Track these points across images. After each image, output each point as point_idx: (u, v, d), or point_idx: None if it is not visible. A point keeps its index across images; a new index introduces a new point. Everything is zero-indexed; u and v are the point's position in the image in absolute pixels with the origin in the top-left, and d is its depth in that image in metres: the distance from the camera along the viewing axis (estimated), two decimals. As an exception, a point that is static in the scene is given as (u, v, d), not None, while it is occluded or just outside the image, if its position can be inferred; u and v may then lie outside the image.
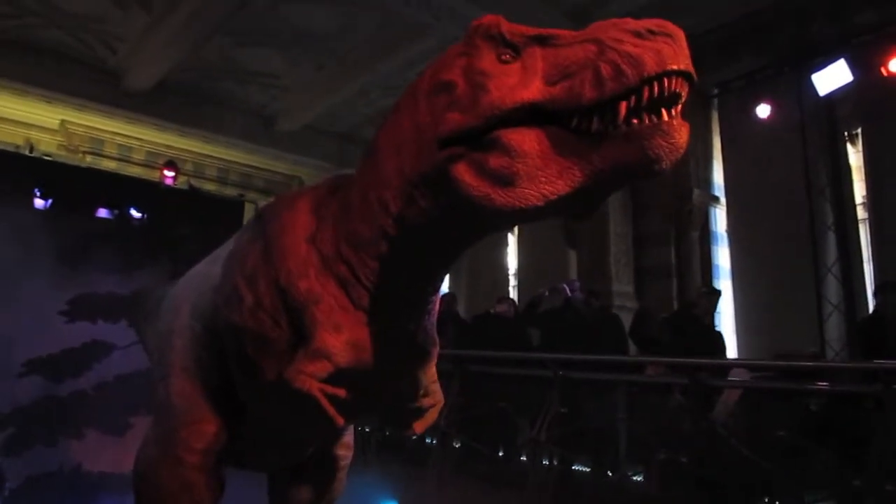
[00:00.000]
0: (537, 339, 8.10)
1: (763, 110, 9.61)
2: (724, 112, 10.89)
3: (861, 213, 9.31)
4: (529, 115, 1.51)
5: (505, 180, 1.51)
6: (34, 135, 12.36)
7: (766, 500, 5.39)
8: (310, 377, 1.91)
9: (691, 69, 1.42)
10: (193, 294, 2.59)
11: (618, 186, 1.63)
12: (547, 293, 8.69)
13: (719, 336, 7.56)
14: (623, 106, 1.40)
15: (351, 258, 1.96)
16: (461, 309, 10.75)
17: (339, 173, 2.36)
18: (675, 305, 10.23)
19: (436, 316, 2.19)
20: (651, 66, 1.37)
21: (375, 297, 1.95)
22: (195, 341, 2.50)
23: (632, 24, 1.44)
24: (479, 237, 1.93)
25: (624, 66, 1.38)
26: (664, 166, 1.45)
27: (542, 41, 1.57)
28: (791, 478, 5.08)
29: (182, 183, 10.48)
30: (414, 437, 6.84)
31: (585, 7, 9.45)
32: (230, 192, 13.14)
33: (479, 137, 1.56)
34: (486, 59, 1.62)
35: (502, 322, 8.15)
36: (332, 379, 1.93)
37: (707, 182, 11.13)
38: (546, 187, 1.49)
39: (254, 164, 14.93)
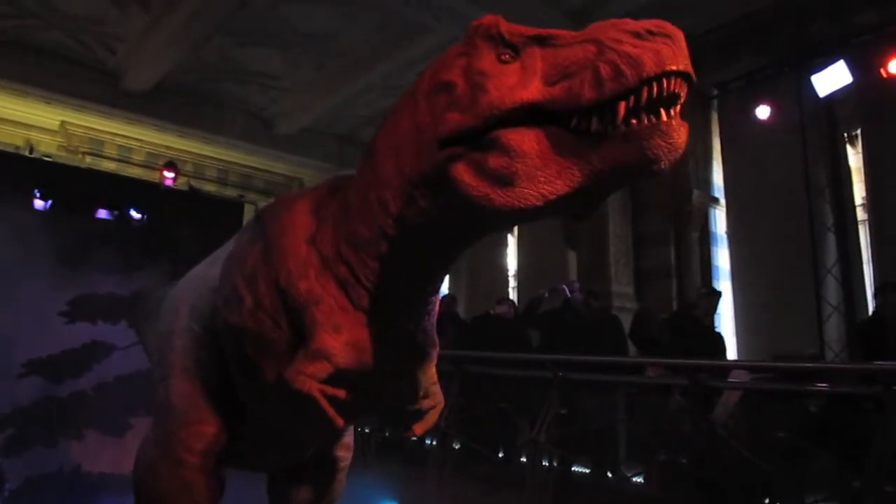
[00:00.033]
0: (537, 341, 8.10)
1: (763, 111, 9.62)
2: (723, 113, 10.89)
3: (861, 214, 9.32)
4: (529, 115, 1.51)
5: (504, 180, 1.51)
6: (34, 136, 12.37)
7: (766, 501, 5.38)
8: (309, 378, 1.91)
9: (690, 70, 1.43)
10: (193, 295, 2.59)
11: (617, 186, 1.63)
12: (546, 294, 8.70)
13: (719, 337, 7.56)
14: (622, 106, 1.40)
15: (351, 258, 1.96)
16: (461, 310, 10.75)
17: (338, 174, 2.36)
18: (675, 306, 10.23)
19: (436, 317, 2.19)
20: (650, 67, 1.37)
21: (375, 297, 1.95)
22: (195, 342, 2.50)
23: (631, 24, 1.44)
24: (478, 237, 1.93)
25: (623, 67, 1.38)
26: (663, 166, 1.45)
27: (541, 41, 1.58)
28: (791, 479, 5.08)
29: (182, 184, 10.48)
30: (413, 438, 6.84)
31: (585, 7, 9.45)
32: (230, 193, 13.15)
33: (479, 137, 1.56)
34: (486, 59, 1.62)
35: (502, 323, 8.15)
36: (332, 380, 1.93)
37: (707, 183, 11.13)
38: (545, 187, 1.49)
39: (253, 164, 14.93)
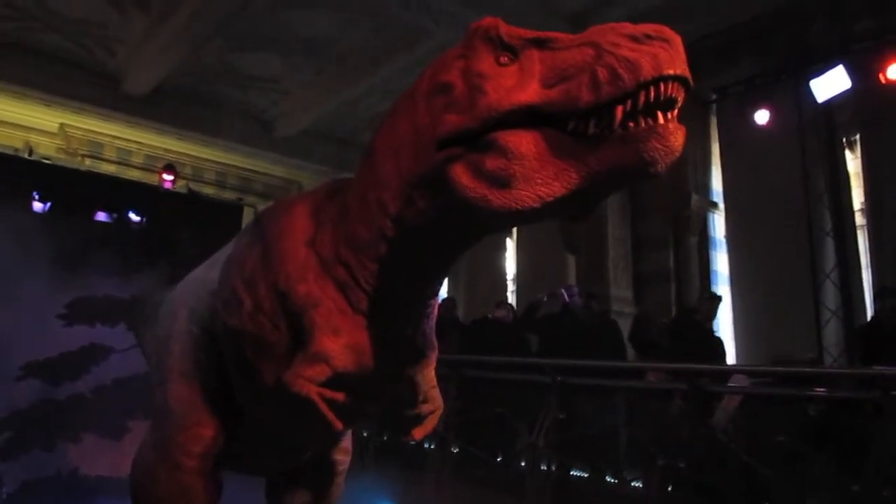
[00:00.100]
0: (535, 345, 8.10)
1: (761, 116, 9.62)
2: (722, 117, 10.90)
3: (859, 219, 9.33)
4: (526, 117, 1.52)
5: (501, 182, 1.52)
6: (33, 138, 12.38)
7: (765, 505, 5.38)
8: (308, 381, 1.91)
9: (687, 74, 1.43)
10: (192, 298, 2.59)
11: (614, 189, 1.64)
12: (545, 298, 8.70)
13: (719, 342, 7.56)
14: (619, 110, 1.41)
15: (350, 261, 1.96)
16: (459, 313, 10.74)
17: (337, 177, 2.36)
18: (674, 310, 10.24)
19: (434, 320, 2.19)
20: (647, 71, 1.38)
21: (374, 300, 1.95)
22: (193, 345, 2.50)
23: (629, 28, 1.45)
24: (476, 238, 1.93)
25: (620, 71, 1.39)
26: (659, 169, 1.45)
27: (539, 44, 1.58)
28: (790, 483, 5.07)
29: (181, 186, 10.47)
30: (412, 443, 6.83)
31: (584, 11, 9.47)
32: (229, 195, 13.13)
33: (477, 139, 1.57)
34: (485, 62, 1.63)
35: (500, 327, 8.14)
36: (331, 383, 1.93)
37: (705, 187, 11.15)
38: (542, 189, 1.49)
39: (252, 167, 14.94)
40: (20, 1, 9.88)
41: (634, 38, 1.42)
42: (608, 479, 6.41)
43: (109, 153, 13.30)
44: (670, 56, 1.40)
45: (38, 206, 6.96)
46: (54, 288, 5.71)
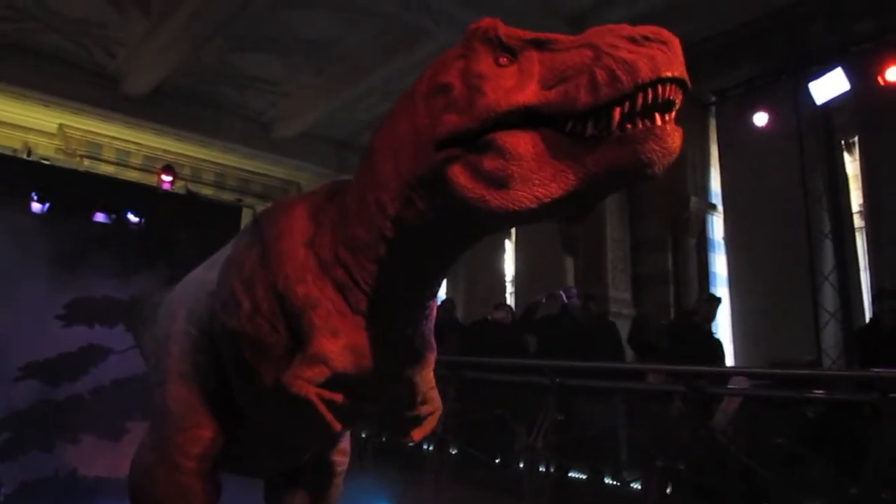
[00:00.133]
0: (534, 346, 8.10)
1: (760, 118, 9.64)
2: (721, 119, 10.92)
3: (858, 221, 9.34)
4: (525, 118, 1.52)
5: (499, 182, 1.52)
6: (32, 138, 12.37)
7: (764, 507, 5.38)
8: (307, 382, 1.91)
9: (685, 76, 1.44)
10: (190, 299, 2.59)
11: (611, 190, 1.64)
12: (544, 300, 8.71)
13: (719, 344, 7.57)
14: (617, 111, 1.42)
15: (349, 262, 1.96)
16: (458, 315, 10.75)
17: (336, 179, 2.36)
18: (672, 312, 10.25)
19: (433, 321, 2.19)
20: (645, 73, 1.38)
21: (373, 300, 1.95)
22: (192, 346, 2.50)
23: (627, 30, 1.45)
24: (475, 239, 1.93)
25: (619, 72, 1.39)
26: (657, 170, 1.46)
27: (539, 45, 1.59)
28: (789, 485, 5.07)
29: (180, 187, 10.45)
30: (411, 444, 6.83)
31: (583, 13, 9.48)
32: (228, 196, 13.11)
33: (476, 139, 1.57)
34: (484, 62, 1.63)
35: (499, 328, 8.15)
36: (330, 384, 1.93)
37: (704, 189, 11.16)
38: (539, 190, 1.50)
39: (252, 169, 14.94)
40: (20, 2, 9.88)
41: (633, 40, 1.42)
42: (607, 480, 6.41)
43: (108, 154, 13.30)
44: (668, 58, 1.41)
45: (36, 206, 6.94)
46: (53, 289, 5.70)
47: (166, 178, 9.68)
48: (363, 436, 7.21)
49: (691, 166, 10.86)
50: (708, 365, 6.47)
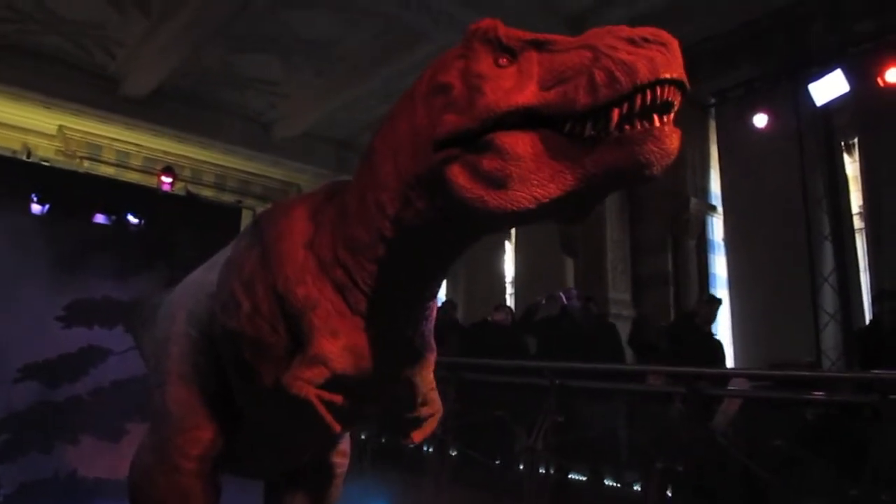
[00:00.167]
0: (534, 348, 8.10)
1: (760, 119, 9.64)
2: (721, 121, 10.92)
3: (857, 222, 9.34)
4: (524, 118, 1.53)
5: (498, 183, 1.52)
6: (32, 140, 12.36)
7: (764, 509, 5.38)
8: (307, 383, 1.90)
9: (684, 78, 1.44)
10: (190, 301, 2.58)
11: (609, 191, 1.64)
12: (543, 301, 8.70)
13: (719, 345, 7.56)
14: (615, 112, 1.42)
15: (348, 262, 1.95)
16: (458, 316, 10.75)
17: (336, 180, 2.36)
18: (672, 314, 10.25)
19: (433, 322, 2.18)
20: (644, 74, 1.38)
21: (373, 301, 1.95)
22: (192, 348, 2.50)
23: (626, 31, 1.46)
24: (474, 239, 1.93)
25: (618, 73, 1.40)
26: (655, 171, 1.46)
27: (538, 46, 1.59)
28: (789, 487, 5.07)
29: (179, 189, 10.47)
30: (411, 445, 6.82)
31: (583, 14, 9.48)
32: (228, 198, 13.12)
33: (475, 140, 1.57)
34: (483, 63, 1.63)
35: (499, 330, 8.15)
36: (330, 385, 1.92)
37: (704, 191, 11.16)
38: (538, 190, 1.50)
39: (251, 170, 14.94)
40: (20, 3, 9.88)
41: (632, 42, 1.42)
42: (607, 482, 6.41)
43: (108, 155, 13.30)
44: (667, 60, 1.41)
45: (36, 208, 6.94)
46: (53, 290, 5.71)
47: (166, 179, 9.70)
48: (363, 437, 7.21)
49: (691, 168, 10.86)
50: (708, 366, 6.47)
